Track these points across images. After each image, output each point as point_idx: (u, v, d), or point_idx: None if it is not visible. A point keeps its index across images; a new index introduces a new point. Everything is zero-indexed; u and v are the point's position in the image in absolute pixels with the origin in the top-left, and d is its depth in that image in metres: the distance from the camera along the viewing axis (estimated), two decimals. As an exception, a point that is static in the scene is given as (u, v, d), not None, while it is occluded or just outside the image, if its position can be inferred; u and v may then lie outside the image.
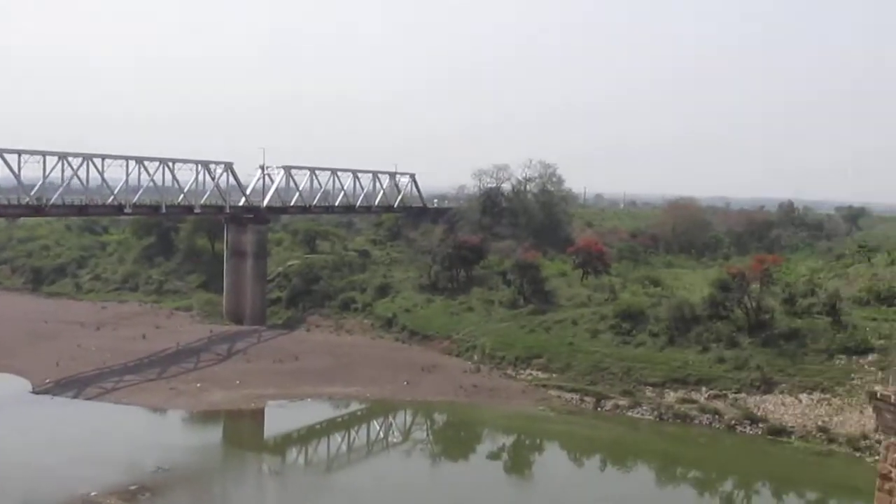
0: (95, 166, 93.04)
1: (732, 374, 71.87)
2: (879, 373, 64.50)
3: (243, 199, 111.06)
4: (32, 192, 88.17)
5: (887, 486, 26.80)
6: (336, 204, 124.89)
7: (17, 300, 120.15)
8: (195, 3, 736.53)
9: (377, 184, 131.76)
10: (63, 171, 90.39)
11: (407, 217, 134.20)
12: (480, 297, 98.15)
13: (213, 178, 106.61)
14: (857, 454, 59.70)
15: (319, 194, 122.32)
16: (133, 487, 51.02)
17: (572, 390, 74.80)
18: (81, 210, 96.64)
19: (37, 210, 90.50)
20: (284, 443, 65.86)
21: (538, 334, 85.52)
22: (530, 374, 79.53)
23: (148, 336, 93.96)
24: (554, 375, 78.08)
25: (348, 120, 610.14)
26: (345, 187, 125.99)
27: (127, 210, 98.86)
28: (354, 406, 73.80)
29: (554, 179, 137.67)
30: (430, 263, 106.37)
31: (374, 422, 72.61)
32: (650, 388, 72.95)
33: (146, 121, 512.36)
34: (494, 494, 55.57)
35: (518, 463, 63.81)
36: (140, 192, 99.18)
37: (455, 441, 68.78)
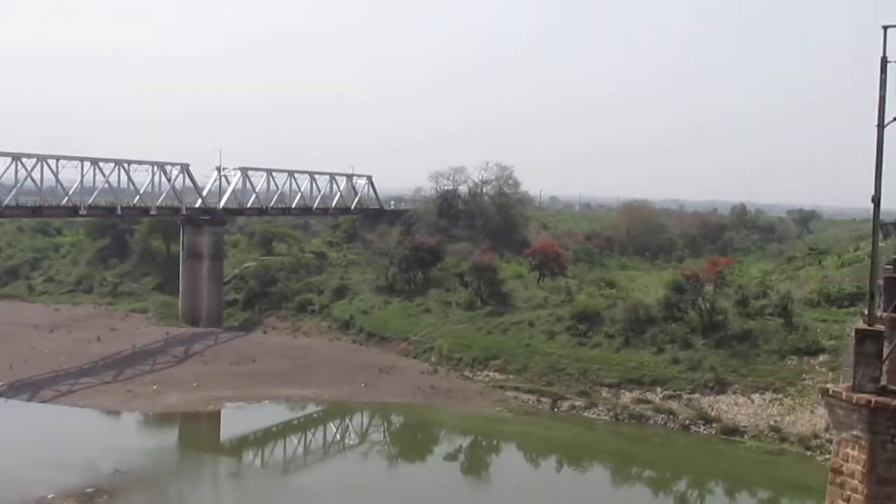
0: (50, 167, 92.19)
1: (687, 374, 72.79)
2: (830, 373, 65.67)
3: (199, 201, 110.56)
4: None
5: (839, 479, 27.80)
6: (293, 206, 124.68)
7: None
8: (195, 3, 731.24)
9: (334, 186, 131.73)
10: (17, 172, 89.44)
11: (364, 219, 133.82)
12: (438, 299, 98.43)
13: (168, 180, 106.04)
14: (808, 453, 60.71)
15: (276, 196, 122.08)
16: (90, 490, 50.74)
17: (529, 391, 75.33)
18: (35, 211, 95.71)
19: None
20: (241, 445, 65.69)
21: (495, 336, 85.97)
22: (487, 376, 79.94)
23: (103, 338, 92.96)
24: (511, 376, 78.62)
25: (349, 120, 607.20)
26: (301, 189, 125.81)
27: (82, 212, 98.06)
28: (312, 408, 73.85)
29: (510, 182, 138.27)
30: (388, 265, 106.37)
31: (332, 423, 72.71)
32: (606, 389, 73.66)
33: (146, 121, 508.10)
34: (451, 496, 55.94)
35: (475, 464, 64.14)
36: (95, 193, 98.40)
37: (412, 442, 69.11)
